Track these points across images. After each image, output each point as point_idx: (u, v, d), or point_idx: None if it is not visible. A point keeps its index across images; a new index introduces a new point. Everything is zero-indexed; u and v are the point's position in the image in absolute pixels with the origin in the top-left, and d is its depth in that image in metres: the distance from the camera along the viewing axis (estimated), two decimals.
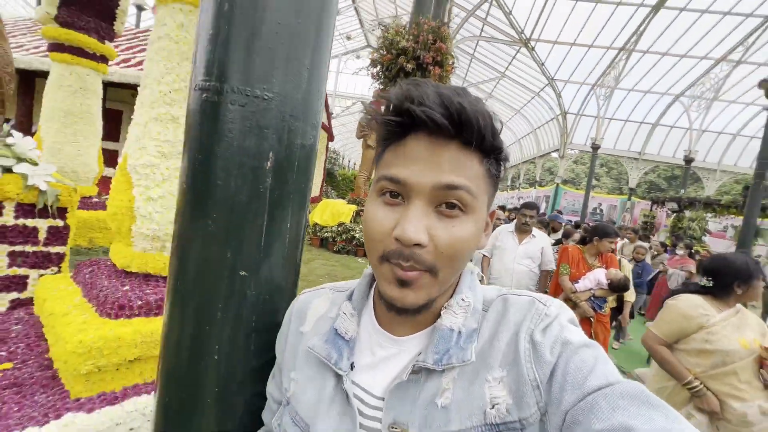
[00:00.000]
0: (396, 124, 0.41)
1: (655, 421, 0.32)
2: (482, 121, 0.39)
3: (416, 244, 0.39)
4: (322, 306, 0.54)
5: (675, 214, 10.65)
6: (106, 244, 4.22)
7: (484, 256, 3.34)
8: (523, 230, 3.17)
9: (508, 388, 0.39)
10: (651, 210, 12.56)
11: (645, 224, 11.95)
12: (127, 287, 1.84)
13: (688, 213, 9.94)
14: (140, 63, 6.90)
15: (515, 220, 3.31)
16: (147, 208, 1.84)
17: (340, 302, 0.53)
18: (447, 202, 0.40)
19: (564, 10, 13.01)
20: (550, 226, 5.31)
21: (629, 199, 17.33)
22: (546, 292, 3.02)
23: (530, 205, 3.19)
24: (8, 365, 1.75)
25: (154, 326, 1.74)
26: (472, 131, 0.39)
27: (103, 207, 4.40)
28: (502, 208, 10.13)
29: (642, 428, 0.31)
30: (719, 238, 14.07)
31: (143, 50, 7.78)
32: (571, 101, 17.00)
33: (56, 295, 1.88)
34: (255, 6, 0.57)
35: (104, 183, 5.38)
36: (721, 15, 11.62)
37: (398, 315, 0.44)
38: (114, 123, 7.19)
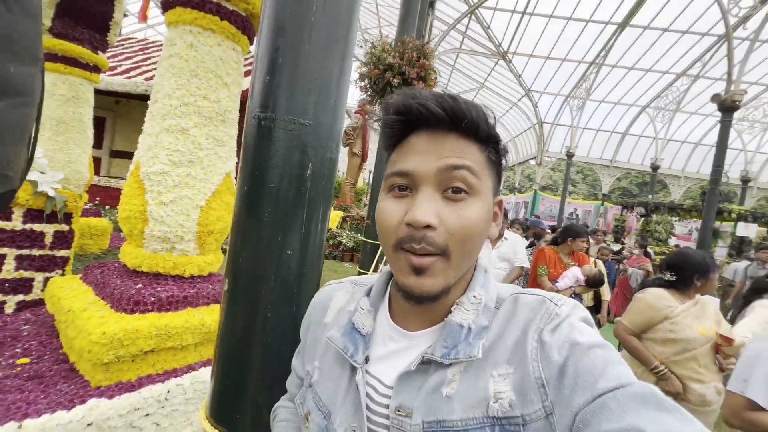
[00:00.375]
0: (398, 123, 0.45)
1: (666, 424, 0.31)
2: (474, 111, 0.42)
3: (427, 227, 0.41)
4: (343, 298, 0.57)
5: (643, 218, 11.34)
6: (96, 251, 4.25)
7: None
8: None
9: (513, 384, 0.40)
10: (621, 214, 13.31)
11: (616, 228, 12.69)
12: (139, 285, 1.99)
13: (655, 217, 10.63)
14: (126, 71, 6.93)
15: None
16: (159, 212, 2.00)
17: (359, 297, 0.55)
18: (453, 187, 0.43)
19: (539, 26, 13.72)
20: (530, 231, 5.58)
21: (602, 204, 18.20)
22: None
23: None
24: (25, 360, 1.87)
25: (167, 320, 1.89)
26: (465, 120, 0.42)
27: (95, 214, 4.44)
28: None
29: (652, 430, 0.31)
30: (685, 240, 14.95)
31: (128, 58, 7.80)
32: (547, 111, 17.81)
33: (71, 294, 2.00)
34: (297, 59, 0.79)
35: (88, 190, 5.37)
36: (681, 33, 12.55)
37: (418, 304, 0.45)
38: (97, 130, 7.16)
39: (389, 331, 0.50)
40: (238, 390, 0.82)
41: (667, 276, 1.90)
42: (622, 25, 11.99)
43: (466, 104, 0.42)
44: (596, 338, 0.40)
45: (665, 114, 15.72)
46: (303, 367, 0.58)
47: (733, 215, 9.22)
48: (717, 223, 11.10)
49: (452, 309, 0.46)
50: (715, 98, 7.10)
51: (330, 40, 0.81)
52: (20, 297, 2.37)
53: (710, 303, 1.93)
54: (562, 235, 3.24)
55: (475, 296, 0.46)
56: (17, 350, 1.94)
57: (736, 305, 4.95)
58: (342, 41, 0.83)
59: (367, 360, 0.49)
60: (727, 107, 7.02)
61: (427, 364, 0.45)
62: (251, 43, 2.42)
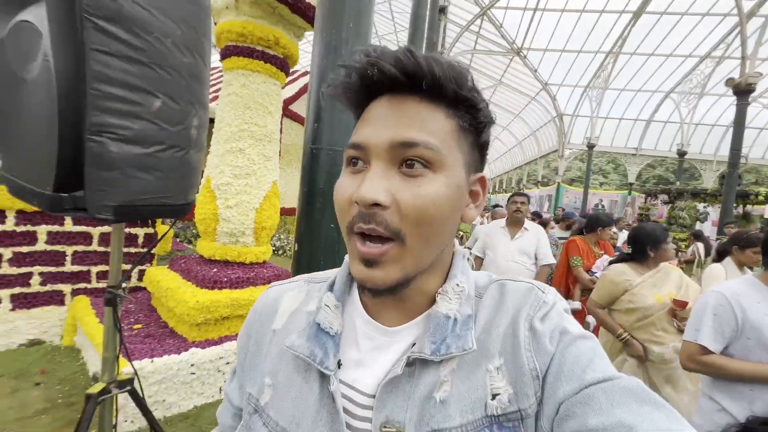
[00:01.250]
0: (355, 87, 0.40)
1: (656, 421, 0.30)
2: (438, 68, 0.36)
3: (376, 205, 0.36)
4: (296, 299, 0.50)
5: (669, 205, 11.22)
6: (162, 252, 5.05)
7: (476, 257, 3.15)
8: (515, 219, 2.94)
9: (508, 377, 0.37)
10: (645, 203, 13.14)
11: (640, 216, 12.57)
12: (215, 270, 2.63)
13: (679, 203, 10.52)
14: None
15: (507, 212, 3.09)
16: (227, 214, 2.64)
17: (319, 294, 0.48)
18: (408, 160, 0.37)
19: (552, 20, 13.83)
20: (564, 223, 5.51)
21: (629, 193, 17.84)
22: None
23: (520, 194, 3.02)
24: (139, 326, 2.55)
25: (237, 295, 2.52)
26: (424, 79, 0.36)
27: None
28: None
29: (642, 427, 0.30)
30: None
31: None
32: (566, 103, 17.72)
33: (166, 278, 2.67)
34: (332, 112, 1.35)
35: None
36: (700, 16, 12.31)
37: (373, 297, 0.40)
38: None
39: (363, 327, 0.44)
40: None
41: (627, 250, 2.15)
42: (637, 14, 11.93)
43: (427, 60, 0.36)
44: (581, 329, 0.39)
45: (690, 98, 15.30)
46: (242, 390, 0.49)
47: (760, 197, 9.03)
48: (749, 207, 10.82)
49: (437, 299, 0.42)
50: (729, 82, 7.15)
51: None
52: (122, 285, 3.09)
53: (674, 270, 2.11)
54: (589, 225, 3.23)
55: (458, 284, 0.43)
56: (131, 320, 2.63)
57: None
58: None
59: (339, 365, 0.43)
60: (742, 90, 7.03)
61: (412, 365, 0.40)
62: (287, 76, 3.04)
